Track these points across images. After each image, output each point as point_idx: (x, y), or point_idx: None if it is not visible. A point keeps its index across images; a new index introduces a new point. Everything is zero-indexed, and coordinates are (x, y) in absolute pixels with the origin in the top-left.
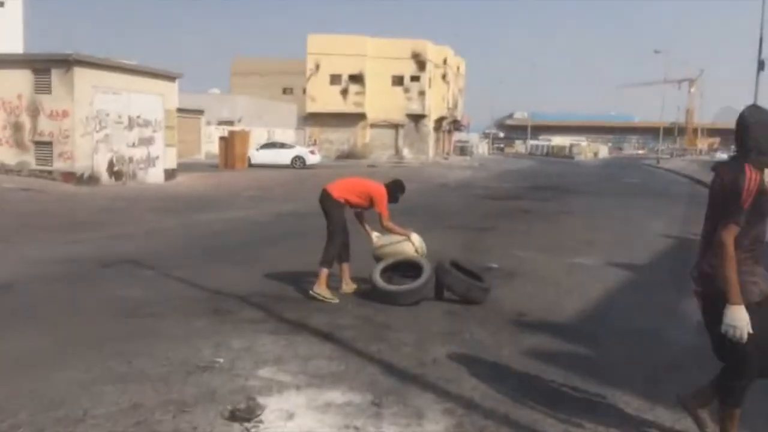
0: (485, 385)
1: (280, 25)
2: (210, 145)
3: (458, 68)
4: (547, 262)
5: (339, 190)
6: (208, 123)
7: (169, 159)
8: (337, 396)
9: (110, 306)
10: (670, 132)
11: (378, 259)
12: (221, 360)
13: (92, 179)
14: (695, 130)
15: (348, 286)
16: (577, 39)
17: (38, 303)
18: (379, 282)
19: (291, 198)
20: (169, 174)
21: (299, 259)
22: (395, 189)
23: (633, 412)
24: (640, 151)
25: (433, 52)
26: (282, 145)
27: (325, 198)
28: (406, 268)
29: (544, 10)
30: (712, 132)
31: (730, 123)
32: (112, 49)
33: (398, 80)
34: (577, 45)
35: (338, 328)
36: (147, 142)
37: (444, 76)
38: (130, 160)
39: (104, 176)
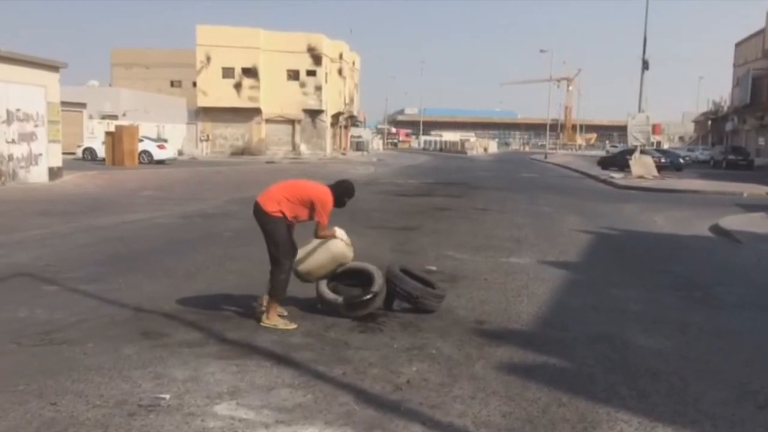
0: (472, 410)
1: (164, 18)
2: (93, 140)
3: (354, 63)
4: (483, 262)
5: (273, 201)
6: (91, 117)
7: (54, 156)
8: None
9: (12, 331)
10: (553, 128)
11: (300, 277)
12: (167, 396)
13: None
14: (574, 127)
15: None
16: (464, 38)
17: None
18: (328, 293)
19: (194, 197)
20: (54, 173)
21: (221, 267)
22: (342, 192)
23: None
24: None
25: (328, 46)
26: None
27: (258, 213)
28: (348, 276)
29: (435, 9)
30: (589, 128)
31: (608, 120)
32: None
33: (294, 74)
34: (465, 44)
35: (292, 349)
36: (28, 137)
37: (340, 71)
38: (10, 158)
39: None
